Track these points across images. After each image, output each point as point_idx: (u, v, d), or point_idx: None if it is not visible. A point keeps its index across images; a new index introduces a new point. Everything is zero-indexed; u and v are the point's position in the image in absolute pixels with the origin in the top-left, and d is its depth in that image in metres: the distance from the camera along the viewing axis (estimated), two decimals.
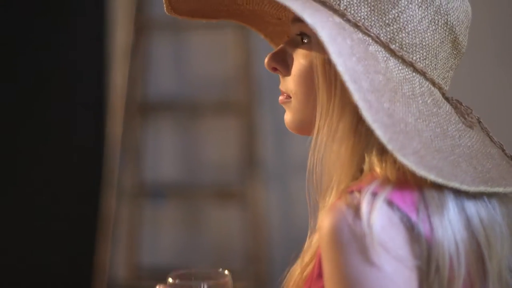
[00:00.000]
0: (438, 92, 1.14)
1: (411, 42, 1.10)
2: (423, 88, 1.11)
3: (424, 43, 1.11)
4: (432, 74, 1.12)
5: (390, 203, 1.04)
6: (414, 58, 1.11)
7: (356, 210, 1.02)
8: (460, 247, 1.06)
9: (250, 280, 3.28)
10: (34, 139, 3.55)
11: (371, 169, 1.09)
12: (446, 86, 1.16)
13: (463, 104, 1.18)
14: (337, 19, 1.09)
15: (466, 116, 1.16)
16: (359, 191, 1.05)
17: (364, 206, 1.02)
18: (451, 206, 1.07)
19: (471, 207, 1.09)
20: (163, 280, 1.30)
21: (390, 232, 1.02)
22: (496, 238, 1.10)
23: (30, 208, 3.52)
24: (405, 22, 1.10)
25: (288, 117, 1.19)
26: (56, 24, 3.54)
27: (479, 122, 1.20)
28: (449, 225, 1.06)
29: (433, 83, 1.13)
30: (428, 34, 1.11)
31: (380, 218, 1.02)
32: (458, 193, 1.08)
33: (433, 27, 1.11)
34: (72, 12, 3.57)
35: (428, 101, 1.11)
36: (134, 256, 3.40)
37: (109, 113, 3.51)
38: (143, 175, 3.46)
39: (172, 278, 1.28)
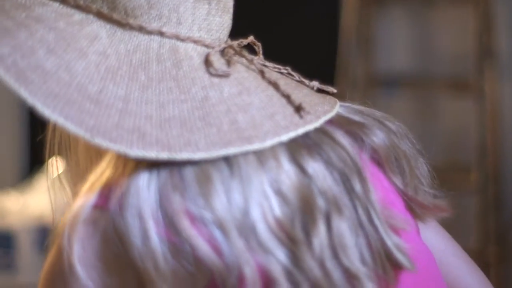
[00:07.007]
0: (193, 46, 0.96)
1: (137, 5, 0.95)
2: (163, 50, 0.95)
3: (153, 1, 0.95)
4: (176, 30, 0.95)
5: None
6: (144, 20, 0.95)
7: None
8: None
9: (482, 172, 3.27)
10: None
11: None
12: (210, 35, 0.97)
13: (234, 47, 0.98)
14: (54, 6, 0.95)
15: (224, 65, 0.95)
16: None
17: None
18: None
19: None
20: None
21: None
22: None
23: None
24: None
25: None
26: None
27: (265, 66, 0.98)
28: None
29: (181, 39, 0.96)
30: None
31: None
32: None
33: None
34: None
35: (167, 65, 0.94)
36: None
37: (344, 3, 3.54)
38: (376, 66, 3.49)
39: None
